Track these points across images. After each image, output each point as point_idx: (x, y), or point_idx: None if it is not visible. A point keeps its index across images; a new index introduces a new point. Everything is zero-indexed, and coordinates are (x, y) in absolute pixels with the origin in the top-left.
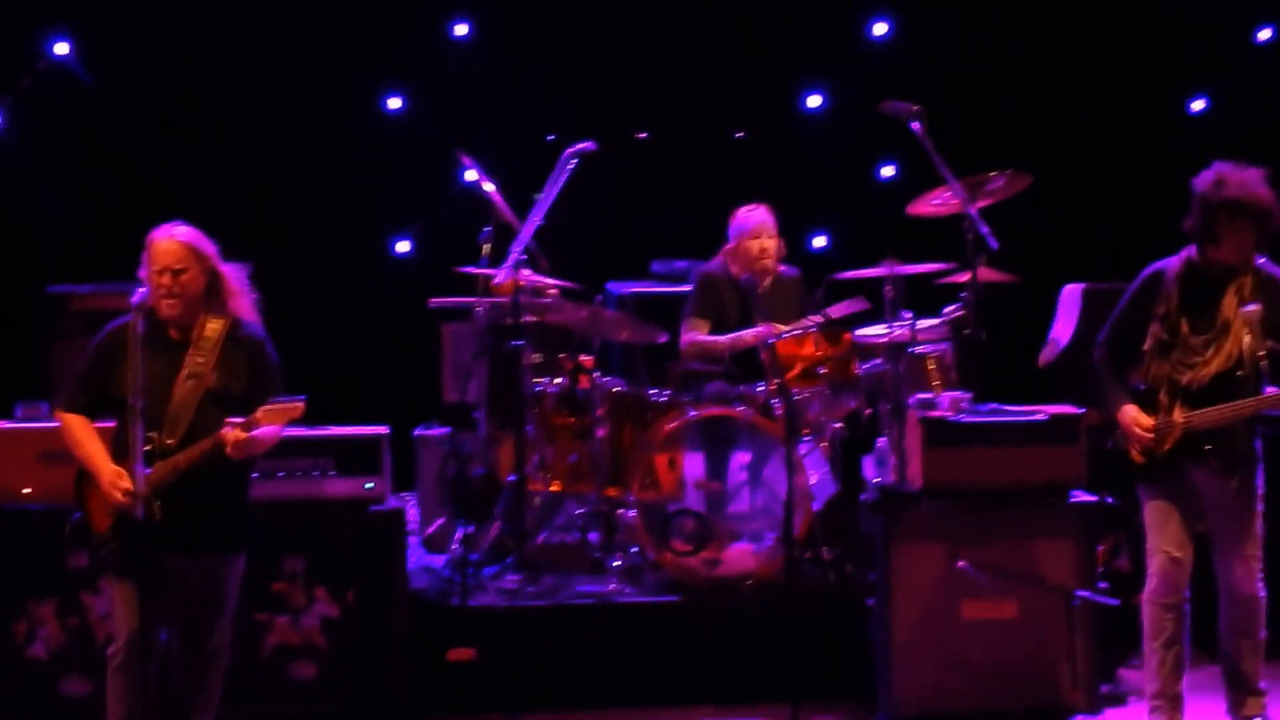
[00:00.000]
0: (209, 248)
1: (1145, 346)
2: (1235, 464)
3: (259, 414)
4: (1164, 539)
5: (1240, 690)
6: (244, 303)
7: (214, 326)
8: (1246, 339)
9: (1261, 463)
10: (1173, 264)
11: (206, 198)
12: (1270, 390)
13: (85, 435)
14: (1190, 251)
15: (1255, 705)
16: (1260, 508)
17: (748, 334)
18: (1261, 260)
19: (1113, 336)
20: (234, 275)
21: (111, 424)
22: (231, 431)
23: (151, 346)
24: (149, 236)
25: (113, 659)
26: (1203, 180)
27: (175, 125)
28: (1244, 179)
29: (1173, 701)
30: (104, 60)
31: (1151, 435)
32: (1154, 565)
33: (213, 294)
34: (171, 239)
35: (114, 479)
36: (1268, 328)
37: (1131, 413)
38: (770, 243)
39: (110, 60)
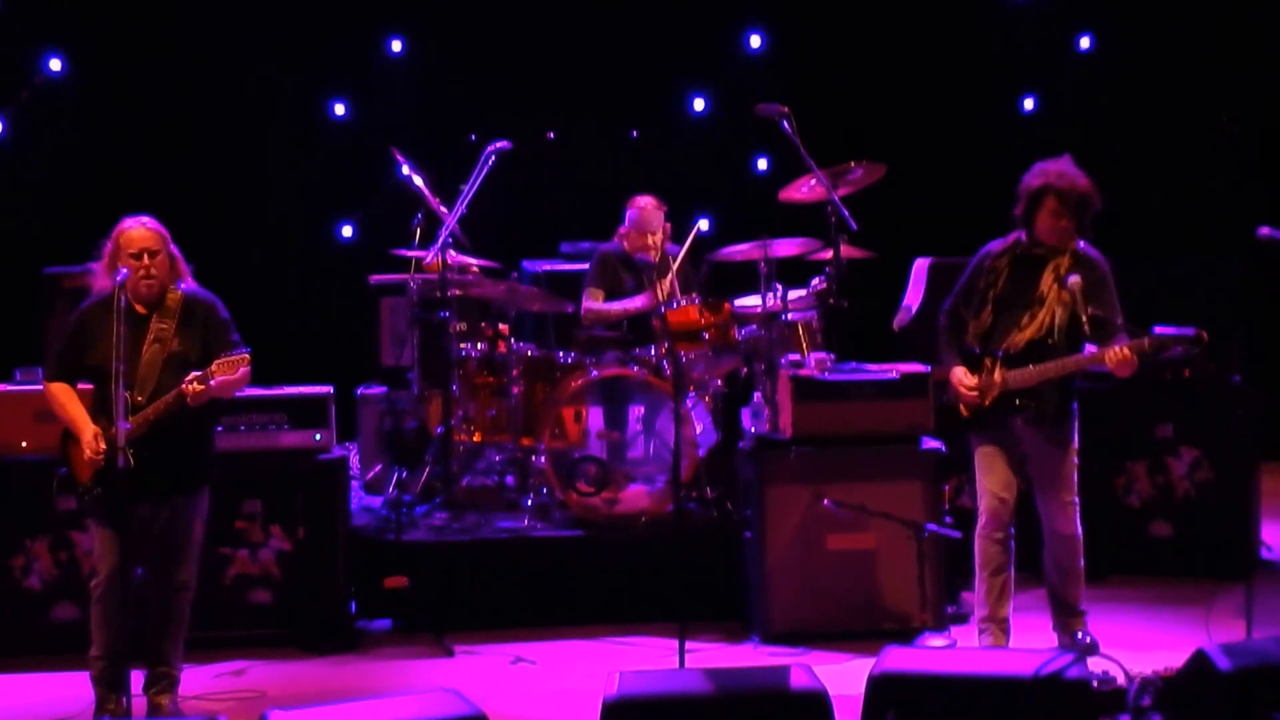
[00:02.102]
0: (167, 233)
1: (976, 315)
2: (1045, 418)
3: (213, 367)
4: (991, 481)
5: (1064, 613)
6: (190, 279)
7: (173, 298)
8: (1059, 312)
9: (1076, 418)
10: (1003, 244)
11: (176, 194)
12: (1086, 351)
13: (68, 400)
14: (1019, 234)
15: (1078, 623)
16: (1075, 459)
17: (634, 301)
18: (1081, 242)
19: (951, 306)
20: (181, 255)
21: (89, 387)
22: (190, 385)
23: (123, 319)
24: (120, 226)
25: (95, 590)
26: (1026, 174)
27: (150, 131)
28: (1060, 170)
29: (1000, 623)
30: (89, 75)
31: (975, 393)
32: (983, 504)
33: (172, 271)
34: (144, 227)
35: (93, 438)
36: (1088, 296)
37: (959, 373)
38: (655, 232)
39: (94, 75)
